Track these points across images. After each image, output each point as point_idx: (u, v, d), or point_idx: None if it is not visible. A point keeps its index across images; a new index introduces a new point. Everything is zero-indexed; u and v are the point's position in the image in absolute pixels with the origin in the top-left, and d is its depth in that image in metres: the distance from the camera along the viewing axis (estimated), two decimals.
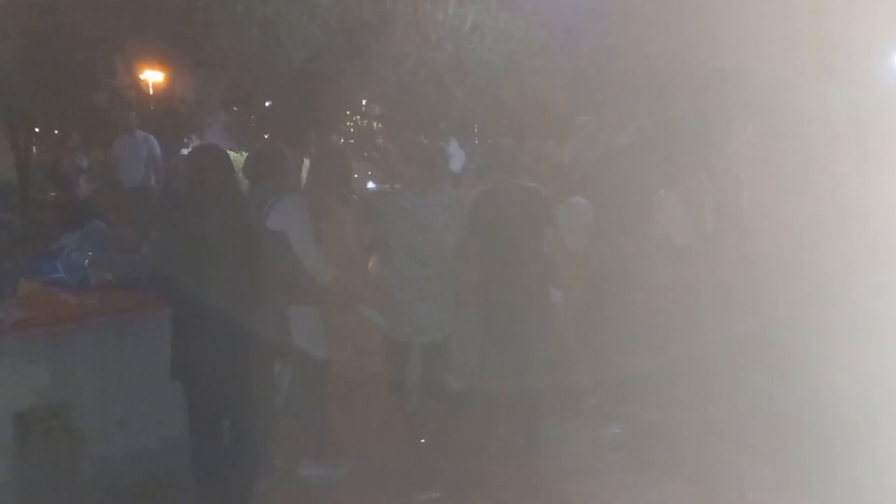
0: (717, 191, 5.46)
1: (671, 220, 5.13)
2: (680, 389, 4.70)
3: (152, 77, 15.79)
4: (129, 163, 8.14)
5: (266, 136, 15.76)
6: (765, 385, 4.66)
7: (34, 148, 14.23)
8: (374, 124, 19.34)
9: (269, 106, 17.11)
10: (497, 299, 4.15)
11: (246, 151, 14.70)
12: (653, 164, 5.10)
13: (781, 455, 4.01)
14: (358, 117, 20.33)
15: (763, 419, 4.38)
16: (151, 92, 15.90)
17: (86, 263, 3.91)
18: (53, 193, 7.96)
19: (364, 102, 18.52)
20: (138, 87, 15.88)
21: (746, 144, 5.86)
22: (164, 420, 3.69)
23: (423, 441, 4.28)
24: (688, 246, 5.18)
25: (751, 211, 5.58)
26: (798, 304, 4.99)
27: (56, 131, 14.18)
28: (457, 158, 9.72)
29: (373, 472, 3.97)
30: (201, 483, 3.26)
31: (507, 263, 4.09)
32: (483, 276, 4.20)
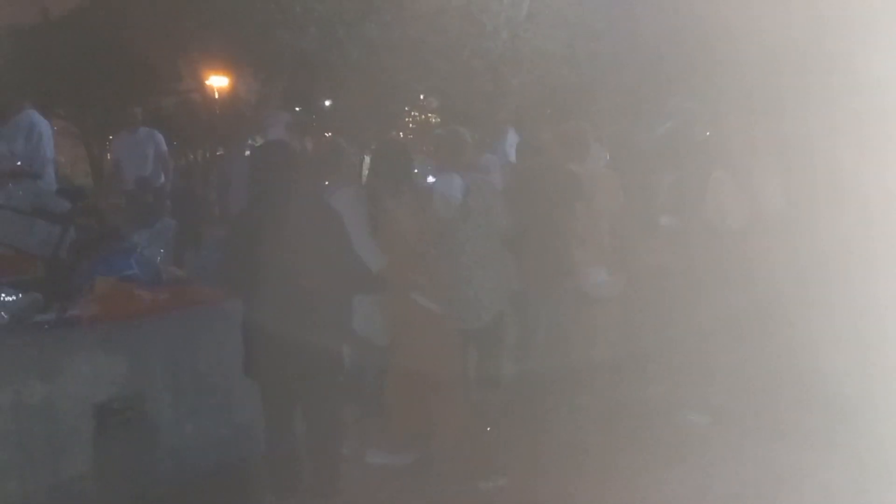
0: (779, 173, 5.29)
1: (727, 202, 5.01)
2: (742, 375, 4.57)
3: (215, 81, 16.20)
4: (135, 160, 7.87)
5: (327, 135, 15.97)
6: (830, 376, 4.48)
7: (108, 154, 14.79)
8: (432, 118, 19.41)
9: (329, 104, 17.35)
10: (540, 283, 4.19)
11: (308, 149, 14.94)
12: (709, 147, 5.03)
13: (836, 445, 3.87)
14: (416, 112, 20.44)
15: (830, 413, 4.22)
16: (216, 95, 16.32)
17: (157, 260, 4.04)
18: (125, 195, 8.10)
19: (421, 96, 18.59)
20: (202, 90, 16.32)
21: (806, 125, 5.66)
22: (234, 409, 3.79)
23: (488, 429, 4.31)
24: (745, 229, 5.04)
25: (814, 193, 5.36)
26: (864, 290, 4.78)
27: None
28: (514, 148, 9.66)
29: (438, 460, 3.99)
30: (275, 472, 3.35)
31: (544, 244, 4.16)
32: (522, 258, 4.27)
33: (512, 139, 10.36)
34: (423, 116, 19.93)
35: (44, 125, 6.29)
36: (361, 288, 3.68)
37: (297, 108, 17.51)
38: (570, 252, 4.54)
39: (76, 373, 3.35)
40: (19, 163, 5.81)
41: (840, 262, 4.66)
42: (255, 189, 3.43)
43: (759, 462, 3.87)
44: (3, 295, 3.50)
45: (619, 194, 5.06)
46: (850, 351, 4.33)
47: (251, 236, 3.26)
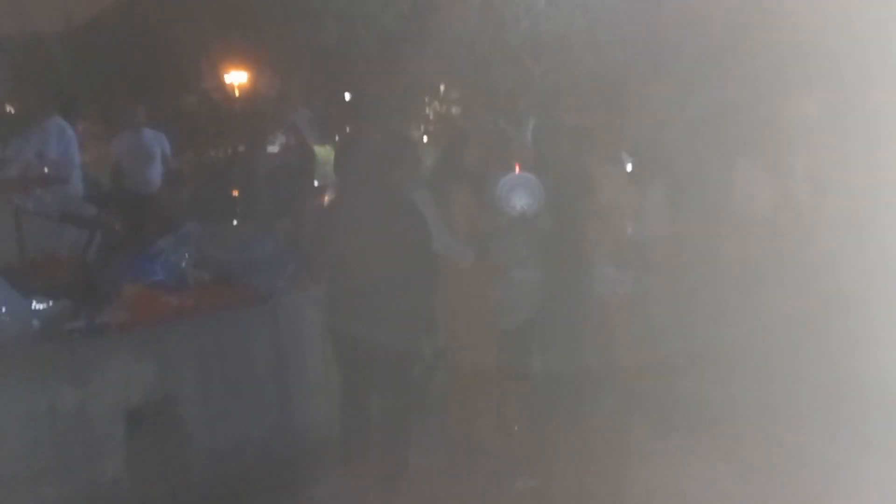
0: (803, 159, 5.18)
1: (753, 190, 4.94)
2: (772, 370, 4.49)
3: (235, 78, 16.29)
4: (142, 161, 7.51)
5: (348, 129, 16.00)
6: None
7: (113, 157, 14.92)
8: (453, 108, 19.35)
9: (350, 98, 17.37)
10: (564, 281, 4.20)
11: (331, 146, 15.00)
12: (732, 133, 4.95)
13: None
14: (437, 102, 20.40)
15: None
16: (236, 93, 16.42)
17: (183, 265, 4.07)
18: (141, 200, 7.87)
19: (442, 87, 18.55)
20: (223, 88, 16.42)
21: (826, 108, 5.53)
22: (263, 411, 3.82)
23: (516, 428, 4.31)
24: (772, 218, 4.95)
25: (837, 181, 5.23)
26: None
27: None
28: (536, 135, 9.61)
29: (470, 460, 3.99)
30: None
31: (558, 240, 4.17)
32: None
33: (534, 127, 10.32)
34: (444, 108, 19.86)
35: (69, 131, 6.36)
36: (437, 285, 3.70)
37: (318, 103, 17.65)
38: (582, 247, 4.48)
39: (108, 379, 3.39)
40: (46, 169, 5.89)
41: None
42: (332, 186, 3.55)
43: (817, 465, 3.76)
44: (34, 303, 3.55)
45: (634, 187, 5.00)
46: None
47: (330, 231, 3.41)
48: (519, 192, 4.05)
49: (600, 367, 4.40)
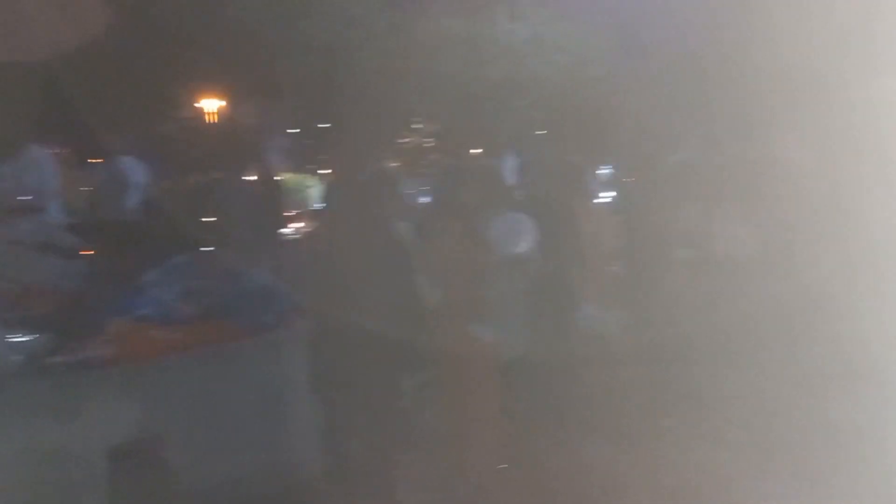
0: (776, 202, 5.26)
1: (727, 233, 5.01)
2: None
3: (215, 107, 16.24)
4: (122, 190, 7.63)
5: (333, 162, 16.02)
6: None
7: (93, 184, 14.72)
8: (429, 142, 19.48)
9: (328, 129, 17.40)
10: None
11: (309, 175, 15.00)
12: (709, 177, 5.06)
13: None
14: (413, 135, 20.53)
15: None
16: (215, 120, 16.35)
17: (169, 299, 3.98)
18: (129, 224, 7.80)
19: (419, 121, 18.68)
20: (200, 116, 16.35)
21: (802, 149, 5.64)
22: (252, 449, 3.72)
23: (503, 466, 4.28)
24: (746, 260, 5.01)
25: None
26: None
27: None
28: (514, 172, 9.70)
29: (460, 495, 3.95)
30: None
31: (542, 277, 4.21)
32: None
33: (511, 163, 10.41)
34: (421, 141, 19.99)
35: (48, 159, 6.22)
36: (420, 316, 3.69)
37: (296, 134, 17.67)
38: (567, 286, 4.54)
39: (90, 416, 3.28)
40: (24, 197, 5.75)
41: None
42: (318, 218, 3.55)
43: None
44: (16, 336, 3.44)
45: (615, 227, 5.05)
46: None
47: (316, 264, 3.40)
48: (512, 233, 4.09)
49: (586, 405, 4.40)
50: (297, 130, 16.88)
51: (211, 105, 15.98)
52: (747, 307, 4.78)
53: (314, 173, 14.16)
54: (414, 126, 18.79)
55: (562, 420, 4.35)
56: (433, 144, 18.97)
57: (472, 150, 14.91)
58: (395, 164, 14.66)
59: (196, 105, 15.51)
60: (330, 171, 16.17)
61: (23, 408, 3.17)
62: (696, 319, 4.69)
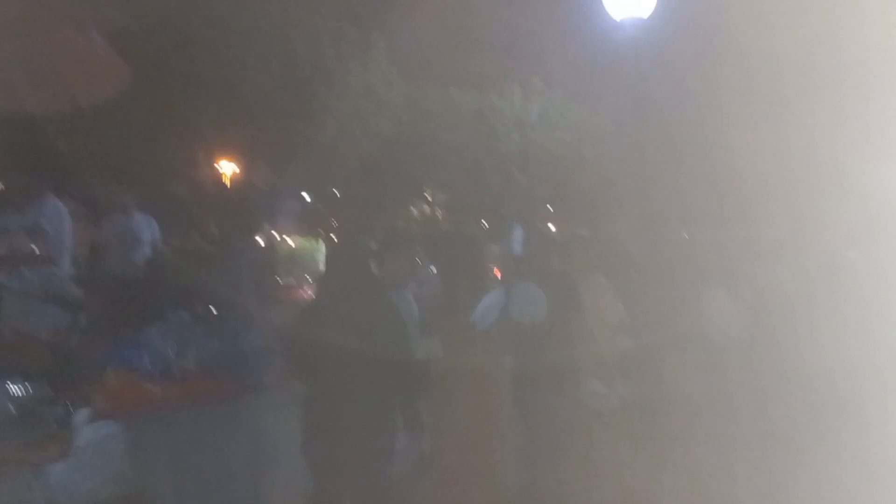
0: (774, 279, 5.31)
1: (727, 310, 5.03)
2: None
3: (229, 169, 16.56)
4: (130, 245, 7.55)
5: (336, 226, 16.20)
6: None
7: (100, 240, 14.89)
8: (438, 211, 19.73)
9: (341, 194, 17.66)
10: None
11: (320, 238, 15.15)
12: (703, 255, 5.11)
13: None
14: (423, 205, 20.80)
15: None
16: (229, 183, 16.63)
17: (169, 353, 4.01)
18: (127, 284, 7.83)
19: (429, 190, 18.96)
20: (216, 178, 16.63)
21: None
22: None
23: None
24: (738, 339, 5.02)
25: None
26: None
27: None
28: (519, 243, 9.80)
29: None
30: None
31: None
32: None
33: (518, 235, 10.49)
34: (431, 210, 20.22)
35: (62, 211, 6.33)
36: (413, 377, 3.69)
37: (309, 198, 17.92)
38: (569, 360, 4.52)
39: (80, 468, 3.27)
40: (34, 247, 5.83)
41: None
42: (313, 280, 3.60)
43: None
44: (13, 387, 3.46)
45: (615, 303, 5.06)
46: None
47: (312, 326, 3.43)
48: (521, 303, 4.12)
49: (584, 475, 4.34)
50: (309, 194, 17.14)
51: (223, 166, 16.29)
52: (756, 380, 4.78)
53: (322, 237, 14.32)
54: (423, 194, 19.06)
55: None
56: (441, 213, 19.22)
57: (479, 220, 15.11)
58: (403, 231, 14.81)
59: (208, 165, 15.81)
60: (338, 234, 16.38)
61: (15, 459, 3.16)
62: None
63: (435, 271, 6.76)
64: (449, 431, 4.17)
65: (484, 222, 15.09)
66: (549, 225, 13.51)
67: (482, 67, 14.75)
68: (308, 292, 8.57)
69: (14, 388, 3.49)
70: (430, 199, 19.08)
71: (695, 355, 4.92)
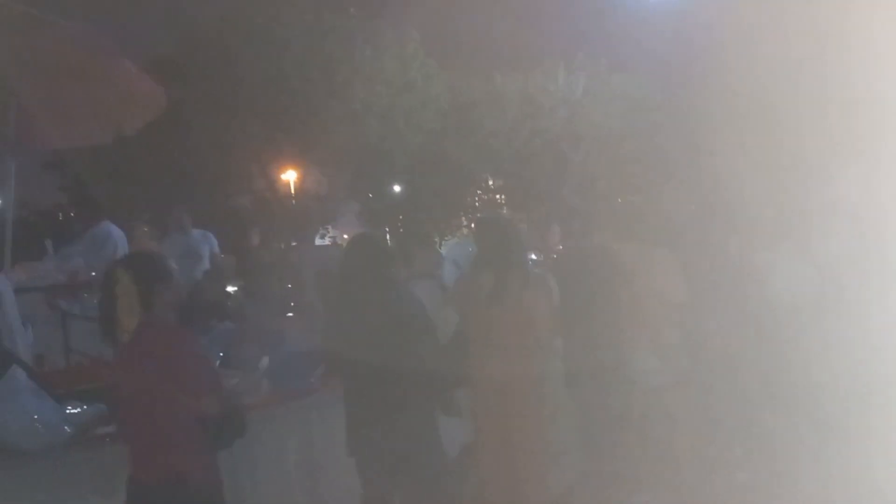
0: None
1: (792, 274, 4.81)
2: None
3: (286, 177, 16.87)
4: (189, 263, 7.83)
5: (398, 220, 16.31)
6: None
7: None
8: (497, 197, 19.61)
9: (396, 191, 17.77)
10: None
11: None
12: (772, 216, 4.88)
13: None
14: (480, 192, 20.71)
15: None
16: (291, 191, 16.97)
17: (231, 362, 4.09)
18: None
19: (484, 177, 18.87)
20: (274, 187, 16.97)
21: None
22: None
23: None
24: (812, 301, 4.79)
25: None
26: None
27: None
28: (576, 221, 9.59)
29: None
30: None
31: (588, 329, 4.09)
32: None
33: (574, 213, 10.30)
34: (488, 197, 20.15)
35: (119, 236, 6.53)
36: (446, 374, 3.66)
37: (370, 196, 18.09)
38: (615, 337, 4.37)
39: None
40: (94, 273, 6.04)
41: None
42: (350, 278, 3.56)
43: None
44: (69, 407, 3.56)
45: (671, 274, 4.88)
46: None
47: (347, 321, 3.42)
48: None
49: (636, 457, 4.23)
50: (361, 196, 17.29)
51: (274, 176, 16.59)
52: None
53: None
54: (477, 183, 18.98)
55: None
56: (499, 200, 19.10)
57: (535, 202, 14.96)
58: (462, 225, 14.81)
59: (260, 176, 16.12)
60: (402, 232, 16.46)
61: (73, 480, 3.26)
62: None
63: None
64: (498, 418, 4.10)
65: (538, 203, 14.94)
66: (604, 200, 13.26)
67: (522, 49, 14.60)
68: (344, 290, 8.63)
69: (71, 410, 3.60)
70: (484, 186, 19.00)
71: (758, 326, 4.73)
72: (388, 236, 13.97)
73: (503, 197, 18.69)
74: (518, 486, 3.82)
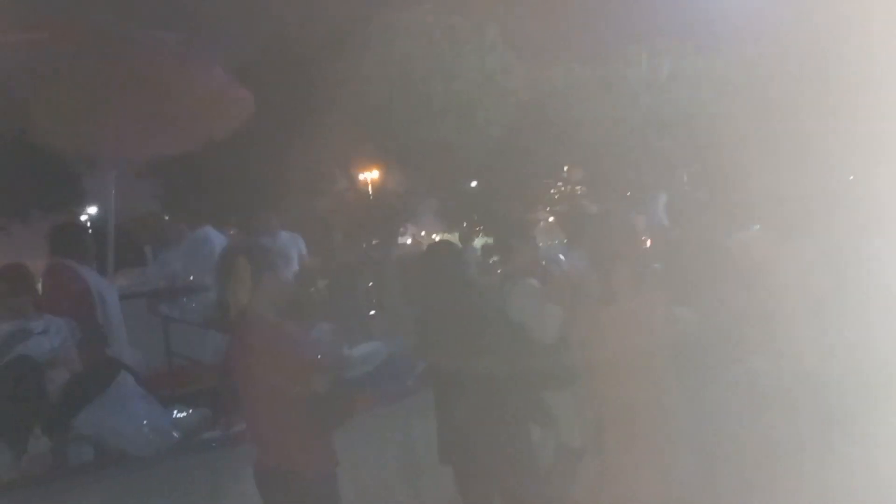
0: None
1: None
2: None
3: (366, 176, 17.04)
4: (282, 265, 7.95)
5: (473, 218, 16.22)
6: None
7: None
8: (578, 189, 19.27)
9: (475, 187, 17.69)
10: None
11: (458, 233, 15.25)
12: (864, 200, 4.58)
13: None
14: (560, 184, 20.39)
15: None
16: (370, 190, 17.14)
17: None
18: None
19: (565, 169, 18.55)
20: (355, 187, 17.17)
21: None
22: None
23: None
24: None
25: None
26: None
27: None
28: (665, 211, 9.28)
29: None
30: None
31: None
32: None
33: (664, 202, 9.96)
34: (569, 188, 19.81)
35: (218, 239, 6.64)
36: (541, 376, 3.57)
37: (444, 195, 18.08)
38: (730, 334, 4.14)
39: (241, 494, 3.35)
40: (192, 278, 6.17)
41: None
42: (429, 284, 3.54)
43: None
44: (175, 412, 3.61)
45: (783, 267, 4.60)
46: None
47: (434, 325, 3.36)
48: None
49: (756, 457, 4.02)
50: (444, 193, 17.26)
51: (358, 175, 16.78)
52: None
53: (469, 234, 14.30)
54: (561, 175, 18.71)
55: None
56: (583, 191, 18.74)
57: (621, 193, 14.59)
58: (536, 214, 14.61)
59: (344, 177, 16.33)
60: (484, 229, 16.37)
61: (179, 484, 3.30)
62: None
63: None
64: (618, 419, 3.94)
65: (627, 194, 14.56)
66: (695, 187, 12.79)
67: (601, 36, 14.25)
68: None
69: (177, 414, 3.64)
70: (568, 178, 18.69)
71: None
72: (471, 236, 13.88)
73: (584, 188, 18.35)
74: (641, 486, 3.66)
